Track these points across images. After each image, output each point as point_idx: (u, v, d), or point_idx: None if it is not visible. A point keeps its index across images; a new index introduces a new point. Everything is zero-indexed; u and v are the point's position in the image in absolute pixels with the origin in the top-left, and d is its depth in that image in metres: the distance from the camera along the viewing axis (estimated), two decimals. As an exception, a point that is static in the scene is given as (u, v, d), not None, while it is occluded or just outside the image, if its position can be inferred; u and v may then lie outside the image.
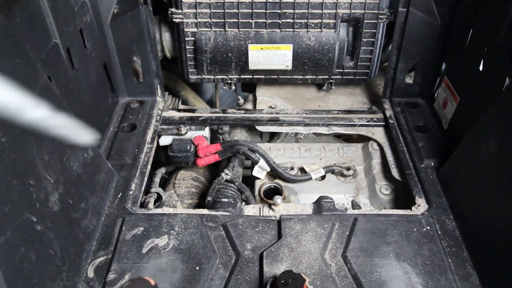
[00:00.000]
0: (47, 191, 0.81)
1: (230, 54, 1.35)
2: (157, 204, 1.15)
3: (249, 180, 1.33)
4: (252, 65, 1.38)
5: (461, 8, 1.23)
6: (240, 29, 1.32)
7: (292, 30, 1.32)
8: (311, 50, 1.34)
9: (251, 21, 1.31)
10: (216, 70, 1.41)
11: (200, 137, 1.32)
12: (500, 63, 0.99)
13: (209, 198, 1.16)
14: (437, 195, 1.08)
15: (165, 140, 1.34)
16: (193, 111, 1.43)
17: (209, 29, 1.33)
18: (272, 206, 1.08)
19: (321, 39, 1.33)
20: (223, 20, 1.31)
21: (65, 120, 0.62)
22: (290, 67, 1.38)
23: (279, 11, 1.29)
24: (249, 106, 1.53)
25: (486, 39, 1.08)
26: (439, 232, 0.98)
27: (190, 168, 1.38)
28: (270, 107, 1.47)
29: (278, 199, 1.07)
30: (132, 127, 1.31)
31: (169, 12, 1.30)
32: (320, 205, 1.06)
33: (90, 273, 0.89)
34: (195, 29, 1.33)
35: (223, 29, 1.32)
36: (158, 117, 1.37)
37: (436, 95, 1.37)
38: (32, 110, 0.57)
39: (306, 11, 1.29)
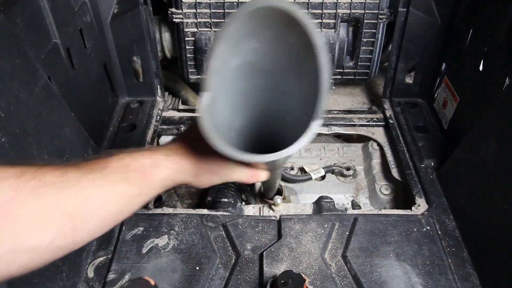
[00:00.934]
0: (47, 191, 0.81)
1: (230, 54, 1.35)
2: (157, 204, 1.15)
3: (249, 180, 1.33)
4: (252, 65, 1.38)
5: (461, 8, 1.23)
6: (240, 29, 1.32)
7: (292, 30, 1.32)
8: (311, 50, 1.34)
9: (251, 21, 1.31)
10: (216, 70, 1.40)
11: (200, 137, 1.32)
12: (500, 63, 0.99)
13: (209, 198, 1.16)
14: (437, 195, 1.08)
15: (165, 140, 1.34)
16: (193, 111, 1.43)
17: (209, 29, 1.33)
18: (272, 206, 1.08)
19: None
20: (223, 20, 1.31)
21: None
22: (290, 67, 1.38)
23: (279, 11, 1.29)
24: (249, 106, 1.52)
25: (486, 39, 1.08)
26: (439, 232, 0.98)
27: (190, 168, 1.37)
28: (270, 107, 1.47)
29: (278, 199, 1.07)
30: (132, 127, 1.31)
31: (169, 12, 1.30)
32: (320, 205, 1.06)
33: (90, 273, 0.89)
34: (195, 29, 1.33)
35: (223, 29, 1.32)
36: (158, 117, 1.37)
37: (436, 95, 1.36)
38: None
39: (306, 11, 1.29)
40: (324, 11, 1.30)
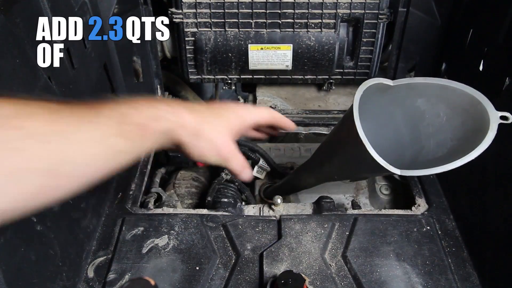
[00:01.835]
0: (47, 191, 0.81)
1: (230, 54, 1.35)
2: (157, 204, 1.15)
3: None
4: (252, 65, 1.38)
5: (461, 8, 1.23)
6: (240, 29, 1.32)
7: (292, 30, 1.32)
8: (311, 50, 1.34)
9: (251, 21, 1.31)
10: (216, 70, 1.41)
11: (200, 137, 1.32)
12: (500, 63, 0.99)
13: (209, 198, 1.16)
14: (437, 195, 1.08)
15: (165, 140, 1.34)
16: (193, 111, 1.43)
17: (209, 29, 1.33)
18: (272, 206, 1.08)
19: (321, 39, 1.33)
20: (223, 20, 1.31)
21: None
22: (290, 67, 1.38)
23: (279, 11, 1.29)
24: (249, 106, 1.52)
25: (486, 39, 1.08)
26: (439, 232, 0.98)
27: (190, 168, 1.38)
28: (270, 107, 1.47)
29: (278, 199, 1.07)
30: (132, 127, 1.31)
31: (169, 12, 1.30)
32: (320, 205, 1.06)
33: (90, 273, 0.90)
34: (195, 29, 1.33)
35: (223, 29, 1.32)
36: (158, 117, 1.37)
37: (436, 95, 1.36)
38: None
39: (306, 11, 1.29)
40: (324, 11, 1.30)
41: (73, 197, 0.85)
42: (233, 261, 0.92)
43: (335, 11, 1.30)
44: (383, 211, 1.05)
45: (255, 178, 1.28)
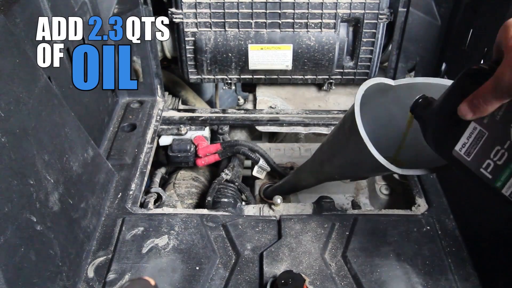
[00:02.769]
0: (47, 191, 0.81)
1: (230, 54, 1.35)
2: (157, 204, 1.15)
3: (249, 180, 1.33)
4: (252, 65, 1.38)
5: (461, 8, 1.23)
6: (240, 29, 1.32)
7: (292, 30, 1.32)
8: (311, 50, 1.34)
9: (251, 21, 1.31)
10: (216, 70, 1.41)
11: (200, 137, 1.32)
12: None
13: (209, 198, 1.16)
14: (437, 195, 1.08)
15: (165, 140, 1.34)
16: (193, 111, 1.43)
17: (209, 29, 1.33)
18: (272, 206, 1.08)
19: (321, 39, 1.33)
20: (223, 20, 1.31)
21: None
22: (290, 67, 1.38)
23: (279, 11, 1.29)
24: (249, 106, 1.53)
25: (486, 39, 1.08)
26: (439, 232, 0.98)
27: (190, 168, 1.38)
28: (270, 107, 1.47)
29: (278, 199, 1.07)
30: (132, 127, 1.31)
31: (169, 12, 1.30)
32: (320, 205, 1.06)
33: (90, 273, 0.89)
34: (195, 29, 1.33)
35: (223, 29, 1.32)
36: (158, 117, 1.37)
37: (436, 95, 1.36)
38: None
39: (306, 11, 1.29)
40: (324, 11, 1.30)
41: (73, 197, 0.86)
42: (233, 261, 0.92)
43: (335, 11, 1.30)
44: (383, 211, 1.05)
45: (255, 178, 1.28)
